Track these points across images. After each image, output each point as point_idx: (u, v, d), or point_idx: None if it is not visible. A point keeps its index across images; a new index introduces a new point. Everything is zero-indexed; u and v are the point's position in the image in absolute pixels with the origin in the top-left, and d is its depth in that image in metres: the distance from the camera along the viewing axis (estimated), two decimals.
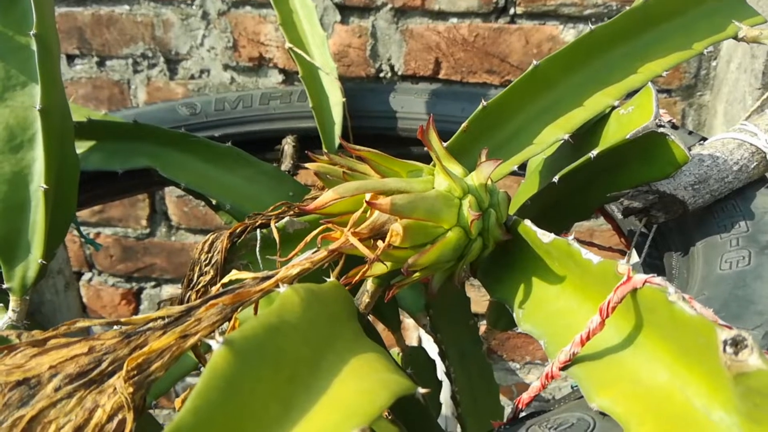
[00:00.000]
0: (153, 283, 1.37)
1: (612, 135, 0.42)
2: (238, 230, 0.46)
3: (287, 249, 0.47)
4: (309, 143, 0.80)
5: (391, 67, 1.15)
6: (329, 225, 0.34)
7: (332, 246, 0.33)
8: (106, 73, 1.20)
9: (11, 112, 0.44)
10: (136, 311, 1.40)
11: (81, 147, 0.57)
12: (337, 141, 0.73)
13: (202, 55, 1.17)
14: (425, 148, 0.80)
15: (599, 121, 0.44)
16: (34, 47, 0.43)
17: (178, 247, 1.34)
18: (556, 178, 0.42)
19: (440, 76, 1.15)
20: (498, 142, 0.44)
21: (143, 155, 0.57)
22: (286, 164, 0.72)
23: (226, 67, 1.18)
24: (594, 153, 0.39)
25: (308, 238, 0.34)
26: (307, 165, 0.52)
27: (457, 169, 0.38)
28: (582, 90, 0.44)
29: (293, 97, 0.81)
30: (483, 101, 0.44)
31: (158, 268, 1.35)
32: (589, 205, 0.45)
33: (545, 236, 0.32)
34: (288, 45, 0.75)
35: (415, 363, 0.62)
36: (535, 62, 0.43)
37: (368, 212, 0.34)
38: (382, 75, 1.16)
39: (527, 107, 0.44)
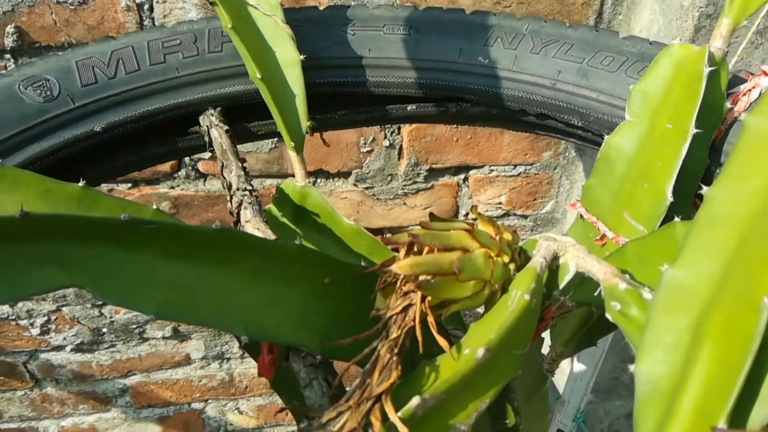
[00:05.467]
0: None
1: None
2: None
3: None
4: (239, 115, 0.54)
5: None
6: None
7: None
8: None
9: None
10: None
11: None
12: (305, 123, 0.49)
13: None
14: (409, 107, 0.58)
15: None
16: None
17: None
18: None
19: None
20: None
21: (50, 266, 0.30)
22: (233, 172, 0.47)
23: None
24: None
25: None
26: (395, 269, 0.31)
27: None
28: None
29: (201, 44, 0.52)
30: None
31: None
32: None
33: None
34: None
35: None
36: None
37: None
38: None
39: None
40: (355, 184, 1.12)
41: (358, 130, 1.06)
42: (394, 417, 0.26)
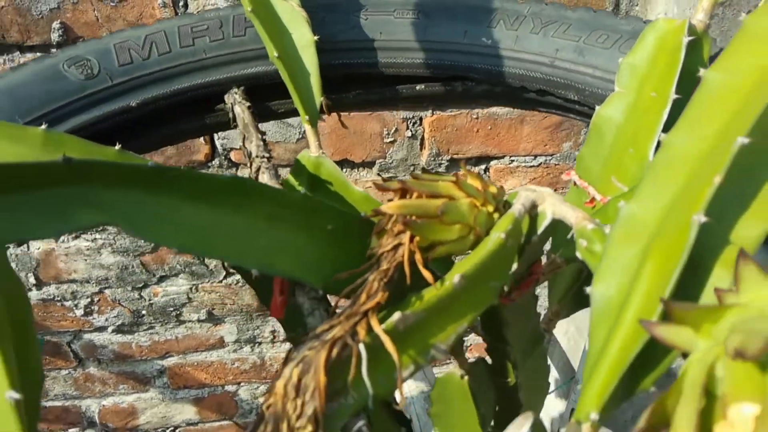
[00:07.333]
0: None
1: None
2: (333, 352, 0.30)
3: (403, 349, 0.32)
4: (261, 94, 0.59)
5: None
6: None
7: None
8: None
9: None
10: None
11: None
12: (319, 100, 0.53)
13: None
14: (418, 87, 0.63)
15: None
16: None
17: None
18: None
19: None
20: None
21: (89, 206, 0.35)
22: (253, 143, 0.52)
23: None
24: None
25: None
26: (383, 208, 0.35)
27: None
28: None
29: (226, 29, 0.57)
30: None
31: None
32: None
33: None
34: None
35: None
36: None
37: None
38: None
39: None
40: (379, 174, 1.16)
41: (381, 121, 1.10)
42: (377, 328, 0.30)
